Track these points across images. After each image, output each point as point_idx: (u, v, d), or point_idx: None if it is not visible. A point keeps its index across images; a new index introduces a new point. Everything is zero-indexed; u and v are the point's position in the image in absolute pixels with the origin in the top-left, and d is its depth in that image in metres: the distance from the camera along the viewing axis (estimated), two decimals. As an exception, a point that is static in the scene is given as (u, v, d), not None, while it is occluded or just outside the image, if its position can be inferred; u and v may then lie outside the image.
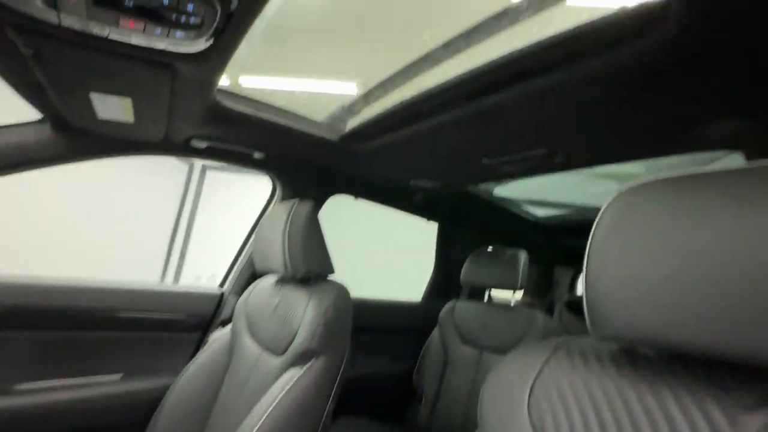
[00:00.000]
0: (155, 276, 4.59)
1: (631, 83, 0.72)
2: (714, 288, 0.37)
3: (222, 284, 1.63)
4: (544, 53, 0.71)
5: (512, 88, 0.81)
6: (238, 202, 4.50)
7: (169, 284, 3.79)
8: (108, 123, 1.07)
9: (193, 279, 4.61)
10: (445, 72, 0.97)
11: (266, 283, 1.32)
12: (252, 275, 1.59)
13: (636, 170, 1.76)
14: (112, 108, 0.96)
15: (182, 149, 1.31)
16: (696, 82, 0.69)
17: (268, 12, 0.73)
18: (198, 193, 4.87)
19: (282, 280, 1.26)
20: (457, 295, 2.24)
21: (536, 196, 2.53)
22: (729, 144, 0.88)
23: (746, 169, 0.39)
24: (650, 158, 1.07)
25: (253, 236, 1.64)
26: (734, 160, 0.97)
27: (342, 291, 1.12)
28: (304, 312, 1.05)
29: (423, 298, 2.30)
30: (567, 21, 0.73)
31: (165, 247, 4.68)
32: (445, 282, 2.28)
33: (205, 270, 4.45)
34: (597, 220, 0.49)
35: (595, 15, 0.68)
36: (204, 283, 3.68)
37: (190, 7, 0.57)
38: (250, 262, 1.58)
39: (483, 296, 2.01)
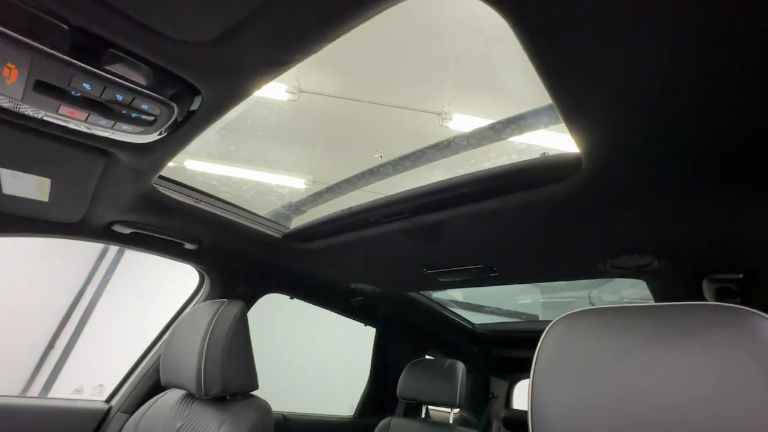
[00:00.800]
0: (17, 384, 3.44)
1: (553, 216, 0.82)
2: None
3: (110, 398, 1.32)
4: (479, 183, 0.80)
5: (452, 209, 0.88)
6: (162, 287, 3.48)
7: (33, 397, 2.94)
8: (12, 199, 0.93)
9: (71, 392, 3.44)
10: (392, 186, 1.04)
11: (169, 399, 1.09)
12: (153, 388, 1.30)
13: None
14: (24, 185, 0.84)
15: (101, 234, 1.16)
16: (606, 221, 0.80)
17: (231, 114, 0.74)
18: (111, 271, 4.05)
19: (190, 396, 1.06)
20: (392, 408, 2.05)
21: (471, 300, 2.61)
22: (635, 275, 1.01)
23: (674, 306, 0.44)
24: (572, 280, 1.18)
25: (163, 339, 1.40)
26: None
27: (263, 414, 0.95)
28: None
29: (355, 412, 2.06)
30: (500, 158, 0.85)
31: (45, 343, 3.64)
32: (380, 394, 2.09)
33: (93, 379, 3.35)
34: (536, 354, 0.51)
35: (523, 156, 0.80)
36: (87, 397, 2.90)
37: (144, 106, 0.54)
38: (155, 371, 1.31)
39: (420, 409, 1.86)
